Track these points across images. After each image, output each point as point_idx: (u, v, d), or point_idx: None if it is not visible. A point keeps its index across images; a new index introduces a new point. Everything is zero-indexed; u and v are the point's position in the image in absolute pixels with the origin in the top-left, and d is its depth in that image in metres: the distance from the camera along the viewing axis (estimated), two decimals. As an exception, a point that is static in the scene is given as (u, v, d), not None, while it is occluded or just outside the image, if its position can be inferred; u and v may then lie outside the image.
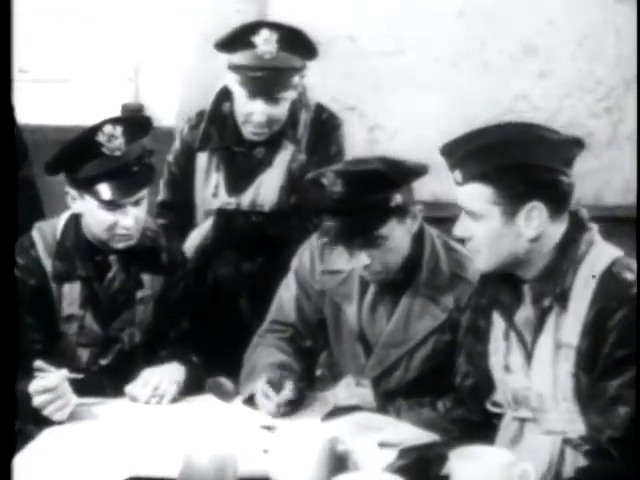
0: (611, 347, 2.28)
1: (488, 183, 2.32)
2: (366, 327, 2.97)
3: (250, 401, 2.88)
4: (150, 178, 3.00)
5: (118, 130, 2.89)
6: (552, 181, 2.34)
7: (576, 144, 2.41)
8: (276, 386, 2.82)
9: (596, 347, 2.30)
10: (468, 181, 2.34)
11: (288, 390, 2.81)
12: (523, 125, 2.43)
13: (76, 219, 3.02)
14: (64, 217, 3.06)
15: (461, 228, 2.41)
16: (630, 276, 2.32)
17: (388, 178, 2.78)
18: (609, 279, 2.32)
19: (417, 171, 2.84)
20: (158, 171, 3.21)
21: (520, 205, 2.32)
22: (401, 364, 2.93)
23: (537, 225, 2.33)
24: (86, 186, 2.91)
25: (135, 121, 3.04)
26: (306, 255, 3.07)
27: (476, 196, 2.34)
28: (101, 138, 2.87)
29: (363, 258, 2.83)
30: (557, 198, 2.35)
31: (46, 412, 2.72)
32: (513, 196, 2.32)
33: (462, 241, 2.50)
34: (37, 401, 2.71)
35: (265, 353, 2.99)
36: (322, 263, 3.03)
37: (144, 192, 2.96)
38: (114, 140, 2.88)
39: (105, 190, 2.89)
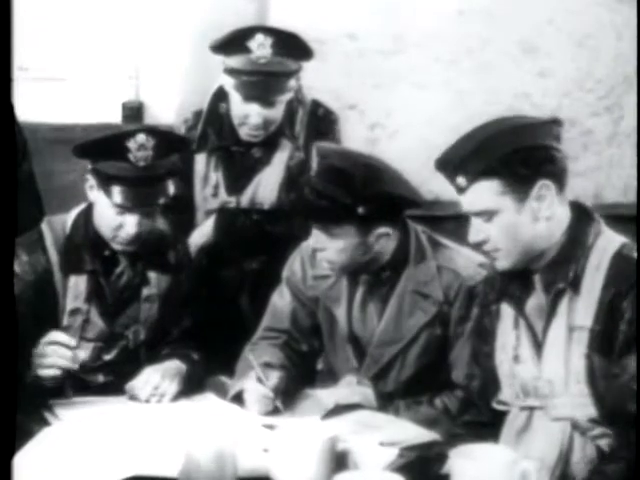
0: (628, 324, 2.32)
1: (493, 176, 2.35)
2: (357, 329, 2.97)
3: (237, 399, 2.88)
4: (167, 194, 2.97)
5: (150, 142, 2.89)
6: (550, 158, 2.38)
7: (556, 123, 2.44)
8: (263, 381, 2.82)
9: (612, 327, 2.33)
10: (472, 182, 2.36)
11: (275, 379, 2.82)
12: (504, 118, 2.47)
13: (86, 214, 3.03)
14: (74, 212, 3.07)
15: (475, 232, 2.42)
16: None
17: (356, 187, 2.76)
18: (620, 261, 2.37)
19: (384, 197, 2.80)
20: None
21: (529, 187, 2.36)
22: (396, 362, 2.93)
23: (549, 203, 2.37)
24: (102, 181, 2.91)
25: (170, 138, 3.04)
26: (296, 263, 3.07)
27: (484, 193, 2.36)
28: (131, 145, 2.88)
29: (314, 240, 2.85)
30: (558, 174, 2.39)
31: (50, 361, 2.77)
32: (520, 181, 2.35)
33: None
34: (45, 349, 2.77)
35: (254, 357, 2.98)
36: (312, 268, 3.03)
37: (158, 205, 2.96)
38: (143, 150, 2.88)
39: (118, 193, 2.89)
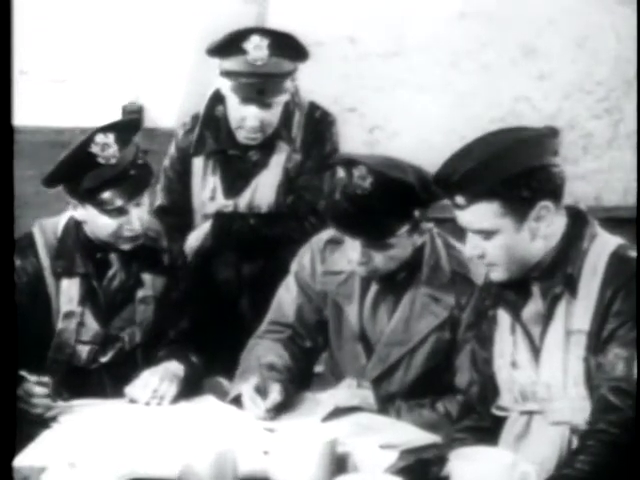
0: (614, 316, 2.34)
1: (493, 199, 2.34)
2: (367, 327, 2.97)
3: (237, 401, 2.87)
4: (149, 179, 3.00)
5: (110, 137, 2.89)
6: (550, 177, 2.37)
7: (554, 134, 2.44)
8: (263, 391, 2.81)
9: (604, 324, 2.35)
10: (472, 202, 2.35)
11: (276, 393, 2.81)
12: (501, 132, 2.45)
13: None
14: (66, 215, 3.07)
15: (471, 247, 2.43)
16: (635, 254, 2.40)
17: (416, 195, 2.78)
18: (616, 261, 2.38)
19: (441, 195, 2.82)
20: (156, 172, 3.21)
21: (529, 209, 2.36)
22: (402, 363, 2.93)
23: (548, 222, 2.37)
24: (88, 196, 2.92)
25: (125, 124, 3.04)
26: (306, 257, 3.06)
27: (484, 215, 2.36)
28: (94, 149, 2.88)
29: (357, 254, 2.83)
30: (556, 190, 2.39)
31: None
32: (520, 203, 2.35)
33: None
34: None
35: (259, 354, 2.98)
36: (323, 264, 3.03)
37: (144, 193, 2.97)
38: (108, 148, 2.88)
39: (108, 198, 2.90)
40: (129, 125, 3.04)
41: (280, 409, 2.81)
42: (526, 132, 2.43)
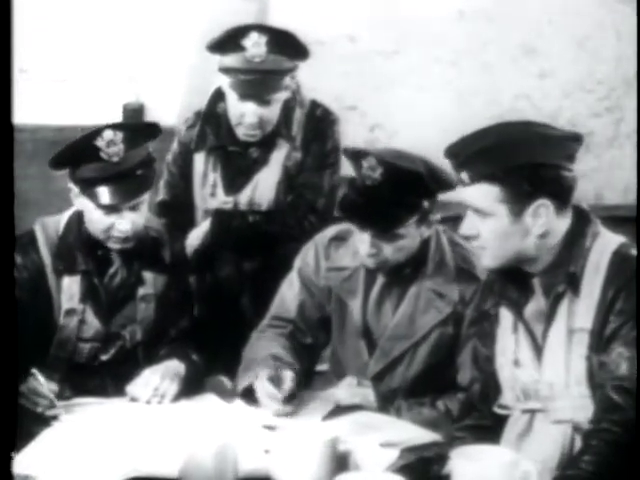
0: (617, 314, 2.33)
1: (495, 183, 2.35)
2: (371, 322, 2.97)
3: (247, 395, 2.87)
4: (148, 185, 2.99)
5: (118, 136, 2.89)
6: (556, 178, 2.38)
7: (575, 140, 2.46)
8: (276, 381, 2.81)
9: (606, 322, 2.35)
10: (475, 181, 2.36)
11: (290, 380, 2.81)
12: (524, 124, 2.47)
13: (79, 215, 3.03)
14: (68, 213, 3.07)
15: (467, 226, 2.43)
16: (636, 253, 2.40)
17: (426, 185, 2.79)
18: (619, 259, 2.38)
19: (451, 185, 2.81)
20: (158, 171, 3.21)
21: (527, 203, 2.35)
22: (405, 358, 2.93)
23: (544, 222, 2.37)
24: (84, 187, 2.93)
25: (138, 127, 3.03)
26: (310, 254, 3.07)
27: (484, 195, 2.36)
28: (100, 143, 2.88)
29: (367, 246, 2.83)
30: (562, 194, 2.39)
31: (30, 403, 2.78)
32: (520, 195, 2.35)
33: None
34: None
35: (262, 347, 2.99)
36: (327, 261, 3.04)
37: (142, 198, 2.97)
38: (113, 146, 2.88)
39: (102, 193, 2.90)
40: (144, 129, 3.03)
41: (295, 399, 2.80)
42: (545, 130, 2.44)
